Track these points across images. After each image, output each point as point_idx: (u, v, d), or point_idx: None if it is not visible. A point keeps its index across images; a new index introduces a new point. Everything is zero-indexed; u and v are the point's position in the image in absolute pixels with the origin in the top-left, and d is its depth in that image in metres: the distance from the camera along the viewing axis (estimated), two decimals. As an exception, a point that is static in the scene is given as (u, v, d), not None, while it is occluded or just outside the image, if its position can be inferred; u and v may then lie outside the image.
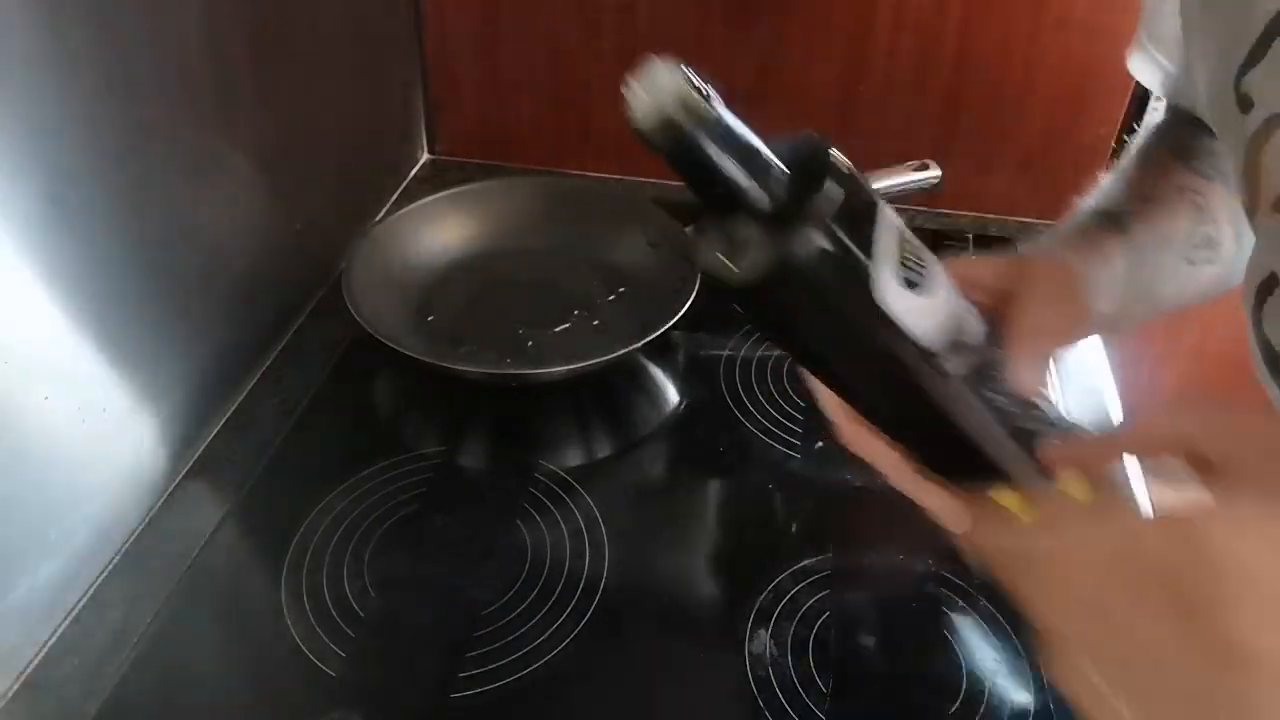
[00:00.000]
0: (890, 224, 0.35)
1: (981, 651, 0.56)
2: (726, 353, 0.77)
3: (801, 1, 0.88)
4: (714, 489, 0.68)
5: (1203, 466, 0.32)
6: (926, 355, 0.36)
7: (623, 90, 0.30)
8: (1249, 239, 0.41)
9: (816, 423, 0.71)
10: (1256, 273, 0.39)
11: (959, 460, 0.39)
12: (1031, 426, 0.41)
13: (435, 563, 0.60)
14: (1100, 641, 0.28)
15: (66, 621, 0.56)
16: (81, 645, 0.55)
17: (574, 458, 0.69)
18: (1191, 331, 1.19)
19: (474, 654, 0.55)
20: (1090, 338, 0.76)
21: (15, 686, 0.53)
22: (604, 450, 0.71)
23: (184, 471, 0.66)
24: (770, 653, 0.55)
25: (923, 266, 0.36)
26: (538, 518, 0.63)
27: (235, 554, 0.61)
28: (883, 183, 0.79)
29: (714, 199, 0.33)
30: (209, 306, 0.69)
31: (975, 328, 0.40)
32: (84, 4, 0.53)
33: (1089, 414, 0.72)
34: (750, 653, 0.55)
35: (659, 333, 0.68)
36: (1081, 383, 0.75)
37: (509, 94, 0.99)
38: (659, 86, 0.30)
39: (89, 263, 0.56)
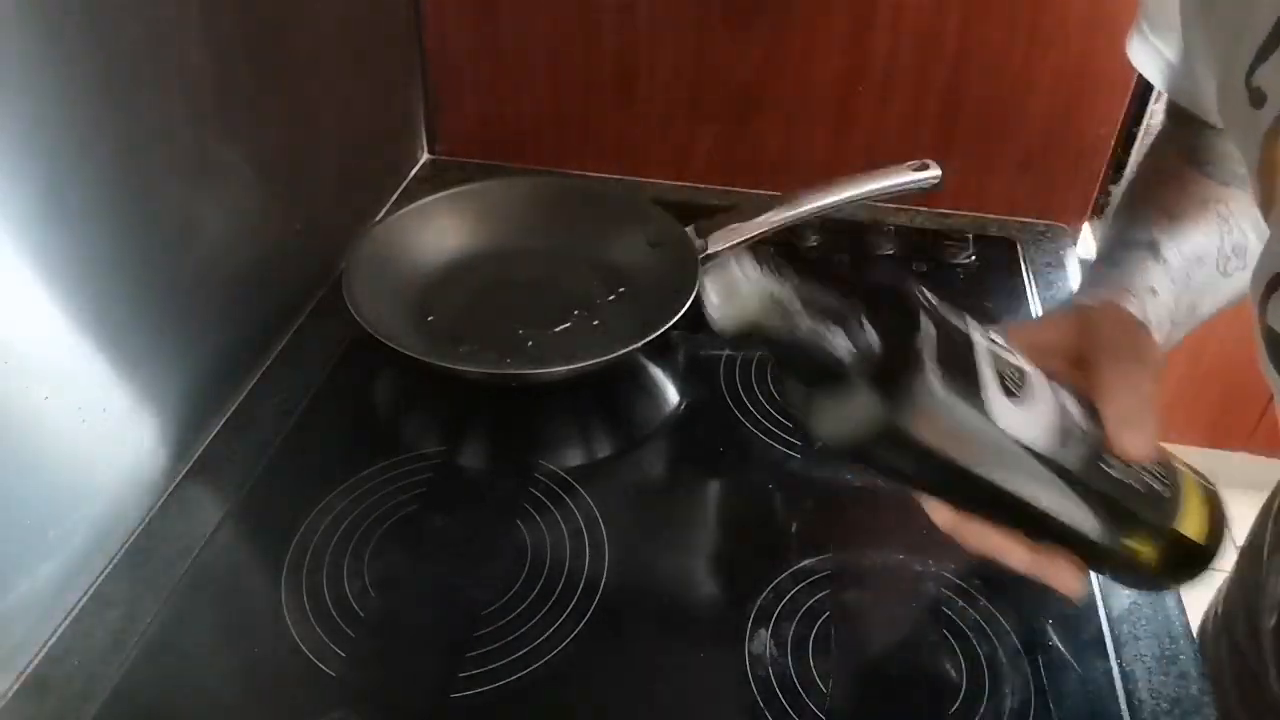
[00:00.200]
0: (982, 343, 0.35)
1: (981, 652, 0.56)
2: (726, 353, 0.77)
3: (801, 1, 0.88)
4: (714, 489, 0.67)
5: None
6: (1045, 460, 0.36)
7: (702, 295, 0.30)
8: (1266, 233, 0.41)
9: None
10: (1267, 266, 0.39)
11: (1079, 532, 0.39)
12: (1155, 485, 0.40)
13: (435, 563, 0.60)
14: None
15: (66, 621, 0.56)
16: (81, 645, 0.55)
17: (574, 458, 0.69)
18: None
19: (474, 654, 0.54)
20: None
21: (15, 686, 0.53)
22: (604, 450, 0.71)
23: (184, 471, 0.66)
24: (770, 653, 0.55)
25: (1019, 372, 0.36)
26: (538, 518, 0.63)
27: (235, 554, 0.61)
28: (883, 183, 0.79)
29: (814, 373, 0.32)
30: (209, 306, 0.69)
31: (1076, 410, 0.39)
32: (83, 4, 0.53)
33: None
34: (750, 653, 0.55)
35: (659, 333, 0.68)
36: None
37: (509, 94, 0.99)
38: (736, 292, 0.30)
39: (89, 263, 0.56)
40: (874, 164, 0.80)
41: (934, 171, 0.80)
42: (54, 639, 0.55)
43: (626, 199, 0.86)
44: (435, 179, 1.01)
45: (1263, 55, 0.37)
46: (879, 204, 0.88)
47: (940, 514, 0.42)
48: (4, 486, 0.52)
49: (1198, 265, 0.51)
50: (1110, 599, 0.59)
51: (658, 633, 0.57)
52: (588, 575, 0.59)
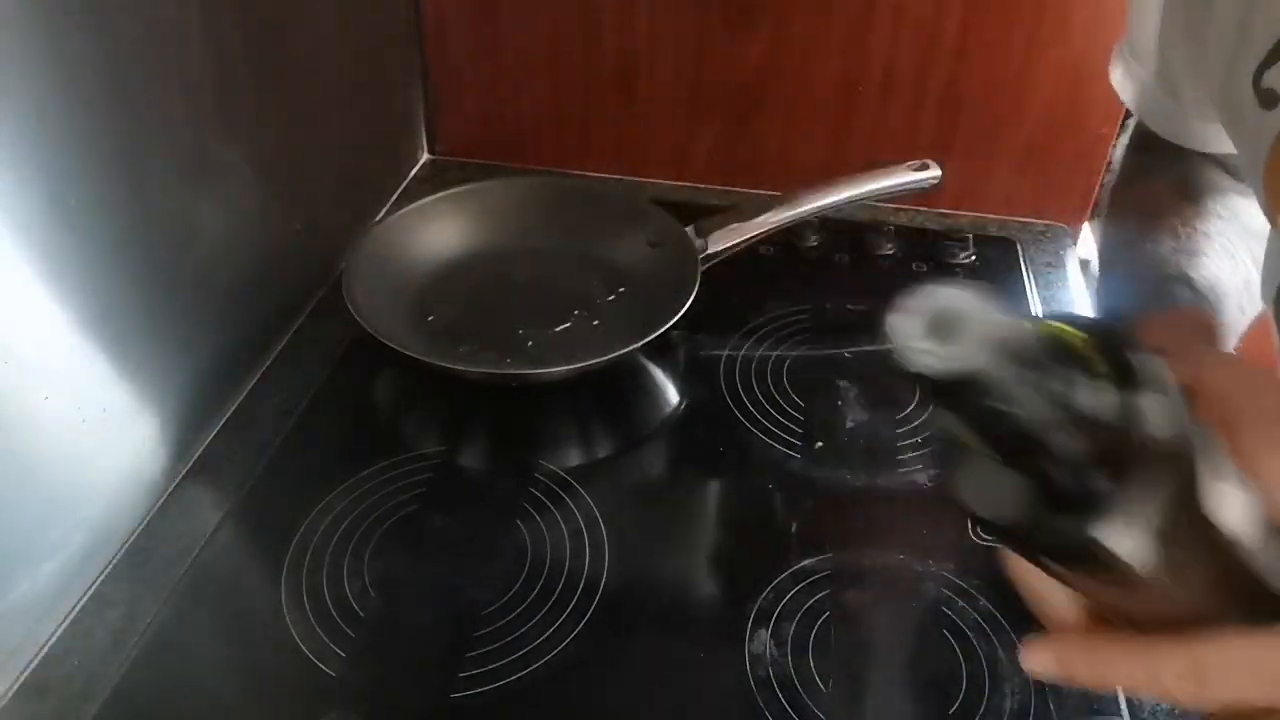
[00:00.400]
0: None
1: (981, 652, 0.56)
2: (726, 353, 0.77)
3: (801, 1, 0.88)
4: (714, 489, 0.67)
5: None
6: (1252, 559, 0.28)
7: (894, 325, 0.22)
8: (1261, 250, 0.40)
9: (816, 423, 0.71)
10: (1278, 270, 0.39)
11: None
12: None
13: (435, 563, 0.60)
14: None
15: (66, 621, 0.56)
16: (81, 645, 0.55)
17: (574, 458, 0.69)
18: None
19: (474, 654, 0.55)
20: None
21: (15, 686, 0.53)
22: (604, 450, 0.71)
23: (184, 471, 0.66)
24: (770, 653, 0.55)
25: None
26: (538, 518, 0.63)
27: (235, 554, 0.61)
28: (883, 183, 0.79)
29: (1031, 458, 0.24)
30: (209, 306, 0.69)
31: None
32: (83, 4, 0.53)
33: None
34: (750, 653, 0.55)
35: (659, 333, 0.68)
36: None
37: (509, 94, 0.99)
38: (958, 328, 0.22)
39: (89, 263, 0.56)
40: (874, 164, 0.80)
41: (934, 171, 0.80)
42: (54, 639, 0.55)
43: (626, 199, 0.86)
44: (435, 179, 1.01)
45: (1275, 56, 0.37)
46: (879, 204, 0.88)
47: (1041, 658, 0.34)
48: (4, 486, 0.52)
49: (1227, 297, 0.49)
50: (1110, 599, 0.59)
51: (658, 633, 0.57)
52: (588, 575, 0.59)
